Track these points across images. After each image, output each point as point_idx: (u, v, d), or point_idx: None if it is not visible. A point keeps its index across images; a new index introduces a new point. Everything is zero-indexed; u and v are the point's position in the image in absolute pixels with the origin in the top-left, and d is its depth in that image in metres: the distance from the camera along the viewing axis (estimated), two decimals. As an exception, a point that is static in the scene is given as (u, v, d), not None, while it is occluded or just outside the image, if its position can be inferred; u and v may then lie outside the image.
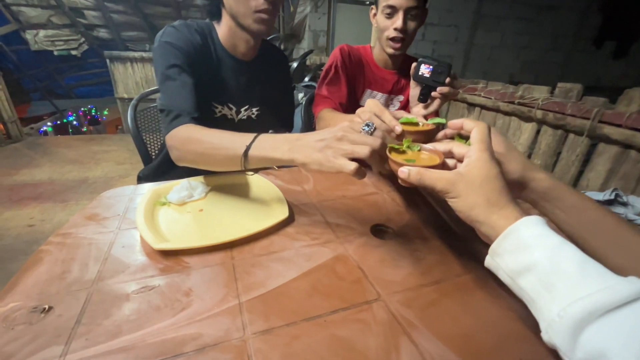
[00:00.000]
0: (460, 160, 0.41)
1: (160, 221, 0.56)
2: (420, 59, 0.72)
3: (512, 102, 0.98)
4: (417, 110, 0.73)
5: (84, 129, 4.52)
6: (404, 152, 0.44)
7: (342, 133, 0.44)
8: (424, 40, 4.02)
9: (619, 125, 0.71)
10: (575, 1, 4.50)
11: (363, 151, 0.42)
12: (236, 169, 0.56)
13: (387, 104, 1.02)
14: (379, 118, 0.51)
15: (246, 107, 0.85)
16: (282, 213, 0.57)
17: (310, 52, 3.07)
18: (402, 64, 0.99)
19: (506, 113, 1.07)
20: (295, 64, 2.74)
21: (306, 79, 2.68)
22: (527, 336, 0.37)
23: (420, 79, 0.71)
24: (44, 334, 0.34)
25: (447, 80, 0.68)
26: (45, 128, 4.18)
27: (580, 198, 0.42)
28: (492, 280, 0.45)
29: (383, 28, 0.90)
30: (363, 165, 0.43)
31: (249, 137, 0.53)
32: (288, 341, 0.35)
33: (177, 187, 0.64)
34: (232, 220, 0.57)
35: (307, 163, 0.45)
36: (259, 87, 0.86)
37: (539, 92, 0.96)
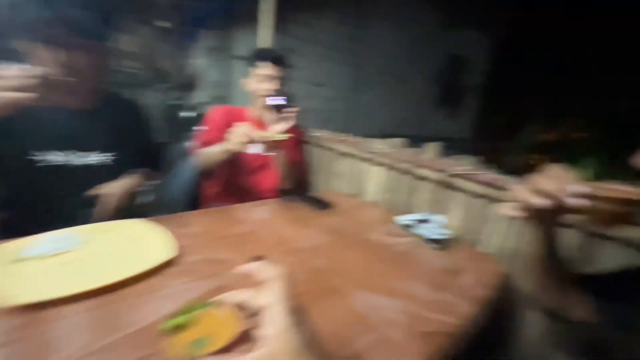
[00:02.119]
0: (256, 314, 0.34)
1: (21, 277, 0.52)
2: (268, 96, 1.05)
3: (364, 151, 1.31)
4: (276, 128, 0.98)
5: None
6: (194, 321, 0.32)
7: None
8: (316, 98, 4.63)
9: (427, 167, 1.08)
10: (422, 76, 6.01)
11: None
12: None
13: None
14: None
15: (97, 152, 0.88)
16: (165, 255, 0.62)
17: (206, 103, 3.16)
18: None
19: (362, 159, 1.39)
20: (195, 114, 2.79)
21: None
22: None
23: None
24: None
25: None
26: None
27: None
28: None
29: (256, 90, 1.17)
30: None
31: None
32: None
33: (45, 239, 0.61)
34: (108, 265, 0.58)
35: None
36: (107, 134, 0.91)
37: (379, 144, 1.31)
